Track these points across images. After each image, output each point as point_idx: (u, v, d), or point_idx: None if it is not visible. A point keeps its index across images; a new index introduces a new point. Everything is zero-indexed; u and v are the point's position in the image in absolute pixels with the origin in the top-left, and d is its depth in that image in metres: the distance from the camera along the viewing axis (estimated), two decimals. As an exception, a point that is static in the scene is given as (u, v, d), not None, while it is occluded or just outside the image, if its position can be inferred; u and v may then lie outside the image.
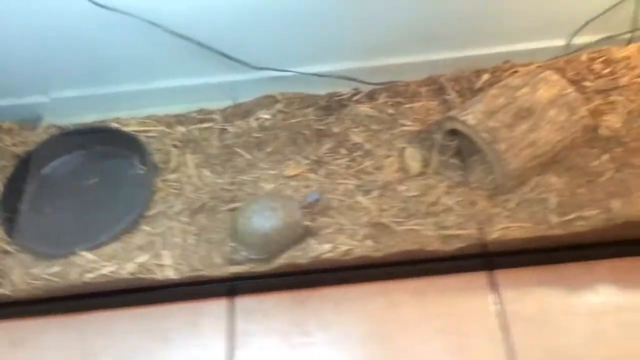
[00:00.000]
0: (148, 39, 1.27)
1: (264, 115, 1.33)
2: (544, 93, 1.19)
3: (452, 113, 1.23)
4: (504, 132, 1.15)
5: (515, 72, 1.32)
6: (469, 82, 1.33)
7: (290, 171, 1.24)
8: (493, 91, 1.23)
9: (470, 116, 1.18)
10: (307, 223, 1.14)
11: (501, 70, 1.33)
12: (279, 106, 1.34)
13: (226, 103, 1.38)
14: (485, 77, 1.33)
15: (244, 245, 1.16)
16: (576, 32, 1.36)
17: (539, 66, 1.31)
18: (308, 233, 1.14)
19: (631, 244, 1.12)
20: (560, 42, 1.39)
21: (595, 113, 1.23)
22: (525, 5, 1.32)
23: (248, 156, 1.27)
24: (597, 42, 1.38)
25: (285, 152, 1.27)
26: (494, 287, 1.13)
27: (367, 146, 1.27)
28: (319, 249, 1.11)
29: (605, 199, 1.11)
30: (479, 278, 1.15)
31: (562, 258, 1.13)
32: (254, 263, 1.13)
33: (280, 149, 1.28)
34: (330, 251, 1.10)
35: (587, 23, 1.34)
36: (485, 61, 1.36)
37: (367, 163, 1.24)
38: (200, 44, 1.29)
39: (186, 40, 1.27)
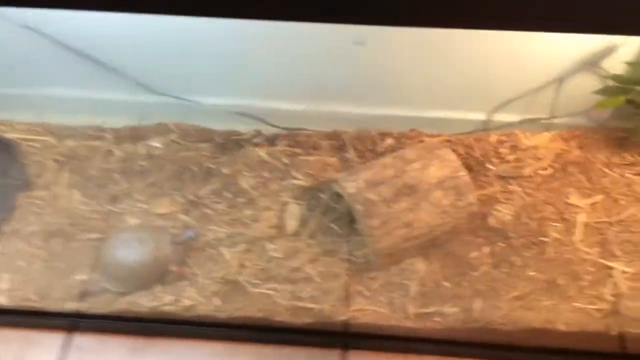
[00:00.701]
0: (50, 50, 1.22)
1: (156, 143, 1.28)
2: (435, 172, 1.13)
3: (339, 175, 1.17)
4: (381, 207, 1.09)
5: (421, 141, 1.26)
6: (372, 144, 1.27)
7: (161, 209, 1.18)
8: (386, 160, 1.17)
9: (352, 184, 1.12)
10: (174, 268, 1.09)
11: (406, 137, 1.27)
12: (173, 136, 1.29)
13: (128, 123, 1.33)
14: (389, 141, 1.27)
15: (105, 275, 1.11)
16: (496, 109, 1.30)
17: (447, 140, 1.25)
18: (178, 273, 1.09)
19: (491, 348, 1.05)
20: (479, 116, 1.32)
21: (490, 200, 1.17)
22: (446, 72, 1.26)
23: (125, 185, 1.21)
24: (520, 123, 1.31)
25: (165, 187, 1.22)
26: (342, 366, 1.07)
27: (253, 194, 1.21)
28: (162, 299, 1.05)
29: (470, 296, 1.05)
30: (331, 355, 1.09)
31: (418, 349, 1.07)
32: (107, 295, 1.08)
33: (161, 183, 1.22)
34: (171, 304, 1.05)
35: (508, 102, 1.28)
36: (399, 122, 1.30)
37: (246, 212, 1.19)
38: (101, 63, 1.24)
39: (89, 58, 1.23)
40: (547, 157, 1.20)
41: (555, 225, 1.12)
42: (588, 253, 1.07)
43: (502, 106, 1.29)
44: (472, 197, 1.12)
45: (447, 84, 1.28)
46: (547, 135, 1.23)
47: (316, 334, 1.07)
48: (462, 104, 1.32)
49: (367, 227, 1.08)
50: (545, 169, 1.19)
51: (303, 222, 1.17)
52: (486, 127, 1.32)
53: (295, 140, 1.29)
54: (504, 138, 1.25)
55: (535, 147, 1.21)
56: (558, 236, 1.10)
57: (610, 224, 1.11)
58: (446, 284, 1.06)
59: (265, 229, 1.16)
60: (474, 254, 1.11)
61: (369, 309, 1.05)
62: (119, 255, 1.10)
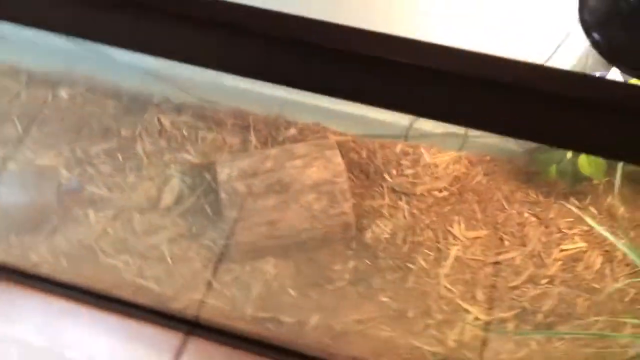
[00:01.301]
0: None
1: (63, 93, 1.26)
2: (314, 173, 1.07)
3: (221, 158, 1.13)
4: (248, 200, 1.04)
5: (324, 137, 1.19)
6: (275, 130, 1.21)
7: (45, 160, 1.18)
8: (272, 151, 1.11)
9: (226, 170, 1.08)
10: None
11: (310, 130, 1.20)
12: (81, 89, 1.27)
13: (50, 68, 1.32)
14: (292, 131, 1.20)
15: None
16: (418, 117, 1.20)
17: (352, 140, 1.18)
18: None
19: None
20: (402, 121, 1.23)
21: (374, 213, 1.10)
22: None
23: (20, 130, 1.21)
24: (442, 135, 1.21)
25: (59, 138, 1.21)
26: (180, 350, 1.06)
27: (144, 161, 1.19)
28: (10, 252, 1.06)
29: (311, 310, 1.00)
30: (174, 338, 1.08)
31: (254, 350, 1.04)
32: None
33: (57, 134, 1.21)
34: (19, 255, 1.05)
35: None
36: (315, 112, 1.23)
37: (129, 179, 1.17)
38: None
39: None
40: (445, 178, 1.10)
41: (428, 254, 1.04)
42: (449, 290, 1.00)
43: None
44: (346, 206, 1.06)
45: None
46: (452, 154, 1.13)
47: (160, 315, 1.06)
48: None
49: (227, 218, 1.04)
50: (441, 190, 1.10)
51: (179, 200, 1.14)
52: (407, 134, 1.23)
53: (201, 113, 1.25)
54: (409, 149, 1.15)
55: (436, 165, 1.12)
56: (425, 266, 1.02)
57: (485, 264, 1.02)
58: (292, 291, 1.02)
59: (141, 199, 1.14)
60: (337, 267, 1.05)
61: (211, 301, 1.02)
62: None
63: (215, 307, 1.02)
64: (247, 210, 1.03)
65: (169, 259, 1.06)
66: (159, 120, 1.24)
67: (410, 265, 1.03)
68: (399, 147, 1.16)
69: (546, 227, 1.05)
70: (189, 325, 1.07)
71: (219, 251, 1.07)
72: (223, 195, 1.05)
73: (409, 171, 1.13)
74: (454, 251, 1.03)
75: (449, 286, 1.00)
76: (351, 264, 1.05)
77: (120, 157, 1.20)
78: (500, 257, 1.02)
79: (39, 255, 1.06)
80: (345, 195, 1.05)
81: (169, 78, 1.27)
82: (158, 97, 1.27)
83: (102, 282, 1.04)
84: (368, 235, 1.08)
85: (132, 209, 1.12)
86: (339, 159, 1.08)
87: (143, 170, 1.18)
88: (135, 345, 1.06)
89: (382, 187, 1.13)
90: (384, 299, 1.00)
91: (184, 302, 1.03)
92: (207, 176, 1.16)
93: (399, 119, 1.23)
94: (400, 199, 1.11)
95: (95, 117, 1.24)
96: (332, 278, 1.04)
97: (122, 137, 1.22)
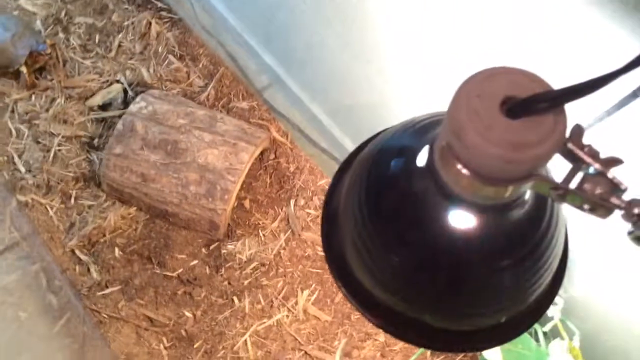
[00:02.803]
0: None
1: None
2: (211, 156, 0.95)
3: (148, 85, 1.05)
4: (135, 142, 0.97)
5: (264, 127, 1.06)
6: (232, 93, 1.10)
7: (28, 5, 1.18)
8: (199, 112, 1.01)
9: (142, 104, 1.00)
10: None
11: (260, 112, 1.07)
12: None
13: None
14: (244, 104, 1.08)
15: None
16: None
17: (291, 148, 1.04)
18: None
19: None
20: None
21: (253, 231, 0.97)
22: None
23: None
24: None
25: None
26: None
27: (110, 54, 1.15)
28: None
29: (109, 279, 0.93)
30: None
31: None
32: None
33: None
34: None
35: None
36: (291, 102, 1.10)
37: (86, 62, 1.14)
38: None
39: None
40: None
41: (259, 298, 0.91)
42: (244, 348, 0.87)
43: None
44: (221, 206, 0.95)
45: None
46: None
47: None
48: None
49: (111, 147, 0.98)
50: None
51: (105, 107, 1.10)
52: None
53: (186, 40, 1.17)
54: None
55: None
56: (247, 310, 0.90)
57: None
58: (118, 253, 0.95)
59: (77, 87, 1.11)
60: (181, 255, 0.97)
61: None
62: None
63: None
64: (130, 152, 0.96)
65: (52, 153, 1.04)
66: (148, 24, 1.18)
67: (235, 301, 0.91)
68: (323, 182, 1.01)
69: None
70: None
71: (92, 171, 1.03)
72: (119, 125, 0.98)
73: (312, 211, 0.98)
74: (277, 316, 0.89)
75: (248, 345, 0.88)
76: (194, 263, 0.96)
77: (96, 38, 1.17)
78: None
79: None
80: (225, 195, 0.94)
81: None
82: (163, 4, 1.20)
83: None
84: (229, 247, 0.97)
85: (63, 94, 1.10)
86: (246, 158, 0.96)
87: (102, 62, 1.15)
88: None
89: (280, 210, 1.00)
90: (187, 313, 0.91)
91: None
92: (129, 92, 1.10)
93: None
94: (285, 232, 0.98)
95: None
96: (166, 264, 0.96)
97: (110, 21, 1.19)
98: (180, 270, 0.95)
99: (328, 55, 0.85)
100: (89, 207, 1.00)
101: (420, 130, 0.30)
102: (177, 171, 0.96)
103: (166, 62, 1.14)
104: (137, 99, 1.01)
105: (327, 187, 1.01)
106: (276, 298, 0.91)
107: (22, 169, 1.01)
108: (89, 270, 0.95)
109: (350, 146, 0.96)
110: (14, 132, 1.06)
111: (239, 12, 1.08)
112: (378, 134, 0.34)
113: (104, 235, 0.97)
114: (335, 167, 0.37)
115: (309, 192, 1.00)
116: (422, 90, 0.71)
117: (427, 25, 0.62)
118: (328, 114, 1.00)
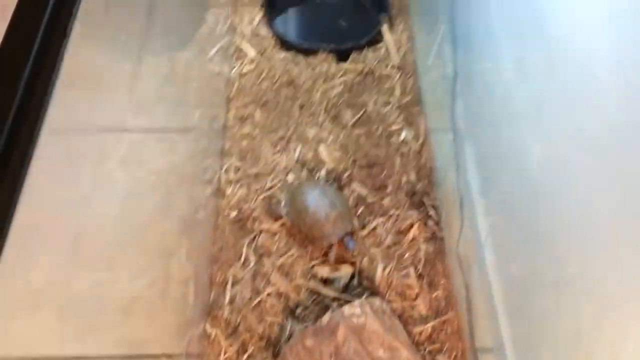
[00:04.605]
0: None
1: None
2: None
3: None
4: (328, 346, 0.90)
5: None
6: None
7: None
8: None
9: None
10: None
11: None
12: None
13: None
14: None
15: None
16: None
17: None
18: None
19: None
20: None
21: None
22: None
23: None
24: None
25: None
26: None
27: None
28: None
29: None
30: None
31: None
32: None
33: None
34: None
35: None
36: None
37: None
38: None
39: None
40: None
41: None
42: None
43: None
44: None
45: None
46: None
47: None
48: None
49: (302, 333, 0.94)
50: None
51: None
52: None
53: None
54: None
55: None
56: None
57: None
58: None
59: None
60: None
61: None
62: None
63: None
64: (319, 352, 0.91)
65: (258, 299, 1.04)
66: (410, 225, 1.14)
67: None
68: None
69: None
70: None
71: (277, 339, 1.00)
72: (325, 318, 0.94)
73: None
74: None
75: None
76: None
77: (358, 210, 1.18)
78: None
79: None
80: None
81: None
82: (435, 213, 1.16)
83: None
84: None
85: (300, 247, 1.12)
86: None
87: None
88: None
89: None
90: None
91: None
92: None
93: None
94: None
95: None
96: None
97: (381, 202, 1.18)
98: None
99: None
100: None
101: None
102: None
103: (404, 272, 1.09)
104: (356, 302, 0.97)
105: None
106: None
107: (227, 299, 1.04)
108: None
109: None
110: (242, 258, 1.10)
111: (502, 270, 0.97)
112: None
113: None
114: None
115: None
116: None
117: None
118: None
